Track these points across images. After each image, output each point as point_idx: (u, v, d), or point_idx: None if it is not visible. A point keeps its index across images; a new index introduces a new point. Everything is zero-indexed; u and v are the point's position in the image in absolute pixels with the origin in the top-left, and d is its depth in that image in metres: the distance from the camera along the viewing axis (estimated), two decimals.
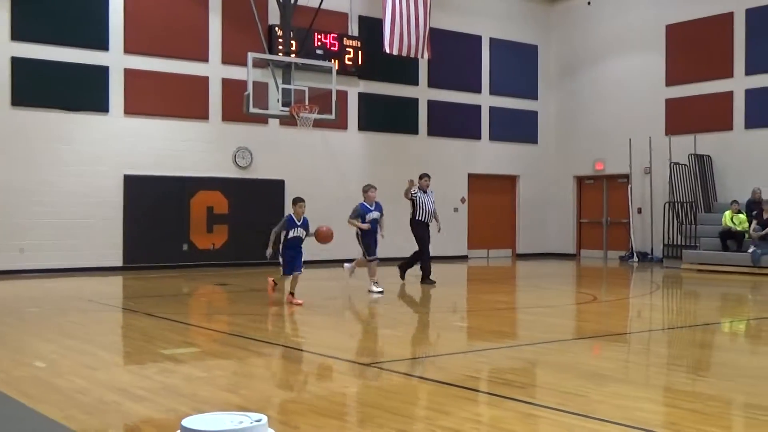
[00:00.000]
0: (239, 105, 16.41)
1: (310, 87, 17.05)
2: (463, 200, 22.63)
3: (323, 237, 11.36)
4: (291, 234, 11.00)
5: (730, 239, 18.17)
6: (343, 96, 19.66)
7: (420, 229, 14.60)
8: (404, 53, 19.50)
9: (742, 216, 18.27)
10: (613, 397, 5.51)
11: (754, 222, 17.85)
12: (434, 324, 9.67)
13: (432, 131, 22.11)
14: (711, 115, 20.59)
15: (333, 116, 17.31)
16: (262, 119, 18.49)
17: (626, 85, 22.44)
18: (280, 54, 18.22)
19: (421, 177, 14.72)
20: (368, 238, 13.02)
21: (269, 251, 10.92)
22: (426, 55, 20.08)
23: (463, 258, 22.39)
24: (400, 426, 4.75)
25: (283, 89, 16.58)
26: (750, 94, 19.93)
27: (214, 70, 18.75)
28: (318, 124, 17.63)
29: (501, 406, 5.41)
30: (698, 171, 20.41)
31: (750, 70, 19.93)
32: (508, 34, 23.60)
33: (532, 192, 24.00)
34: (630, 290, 15.17)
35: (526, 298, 13.60)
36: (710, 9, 20.67)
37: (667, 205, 20.61)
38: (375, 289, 12.74)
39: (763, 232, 17.47)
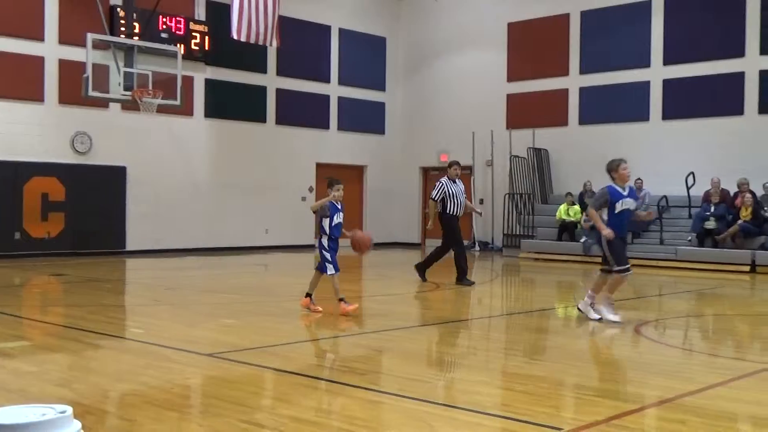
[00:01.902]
0: (78, 87, 15.71)
1: (154, 71, 16.55)
2: (311, 189, 22.63)
3: (361, 244, 9.41)
4: (335, 220, 9.12)
5: (565, 230, 19.11)
6: (188, 82, 19.19)
7: (452, 224, 12.81)
8: (253, 40, 19.22)
9: (576, 207, 19.25)
10: (452, 382, 5.69)
11: (585, 213, 18.84)
12: (280, 313, 9.62)
13: (280, 120, 21.96)
14: (548, 110, 21.55)
15: (178, 102, 16.88)
16: (103, 103, 17.75)
17: (470, 79, 23.10)
18: (122, 36, 17.54)
19: (450, 165, 12.93)
20: (617, 242, 8.69)
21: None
22: (275, 43, 19.89)
23: (310, 247, 22.40)
24: (242, 416, 4.70)
25: (125, 73, 16.01)
26: (584, 91, 21.00)
27: (51, 50, 17.80)
28: (162, 109, 17.14)
29: (344, 393, 5.46)
30: (536, 164, 21.33)
31: (584, 69, 21.00)
32: (358, 25, 23.77)
33: (379, 182, 24.33)
34: (471, 278, 15.64)
35: (371, 287, 13.78)
36: (549, 9, 21.60)
37: (507, 196, 21.46)
38: (612, 317, 8.66)
39: (591, 222, 18.44)
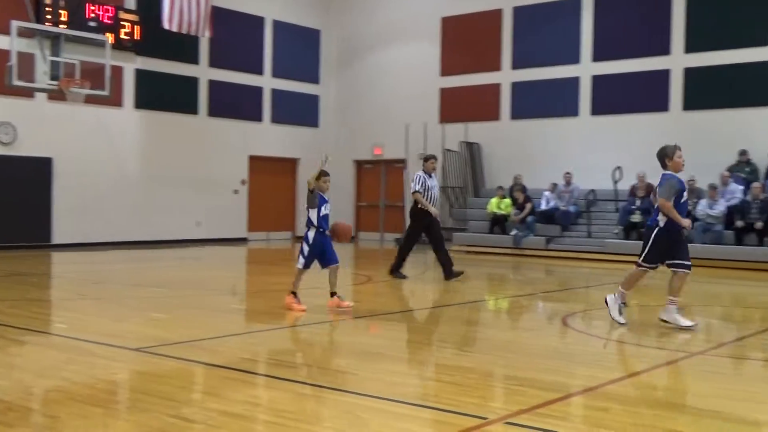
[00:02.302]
0: (1, 76, 15.26)
1: (82, 61, 16.20)
2: (243, 182, 22.45)
3: (342, 234, 9.25)
4: (323, 211, 8.88)
5: (496, 223, 19.36)
6: (118, 72, 18.79)
7: (427, 219, 12.46)
8: (184, 30, 18.97)
9: (507, 201, 19.51)
10: (382, 374, 5.72)
11: (514, 206, 19.12)
12: (211, 307, 9.54)
13: (213, 111, 21.71)
14: (481, 105, 21.78)
15: (107, 92, 16.56)
16: (28, 92, 17.27)
17: (404, 73, 23.19)
18: (48, 24, 17.10)
19: (427, 159, 12.70)
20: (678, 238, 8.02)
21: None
22: (207, 34, 19.68)
23: (243, 240, 22.24)
24: (169, 411, 4.66)
25: (51, 62, 15.63)
26: (516, 86, 21.29)
27: None
28: (90, 100, 16.79)
29: (274, 386, 5.45)
30: (469, 158, 21.54)
31: (516, 65, 21.28)
32: (291, 17, 23.61)
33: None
34: (404, 271, 15.72)
35: (303, 280, 13.70)
36: (482, 4, 21.81)
37: (439, 189, 21.59)
38: (684, 322, 7.97)
39: (522, 215, 18.76)
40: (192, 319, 8.52)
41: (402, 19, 23.30)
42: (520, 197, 19.14)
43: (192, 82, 21.26)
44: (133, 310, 9.10)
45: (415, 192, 12.50)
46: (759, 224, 15.85)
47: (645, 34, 19.26)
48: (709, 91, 18.37)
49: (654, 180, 17.86)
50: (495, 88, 21.61)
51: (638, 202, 17.59)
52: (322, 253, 8.93)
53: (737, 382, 6.01)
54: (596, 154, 19.59)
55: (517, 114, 21.30)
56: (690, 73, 18.65)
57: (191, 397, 5.21)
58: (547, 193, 19.31)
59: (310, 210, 8.83)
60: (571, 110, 20.35)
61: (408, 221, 13.47)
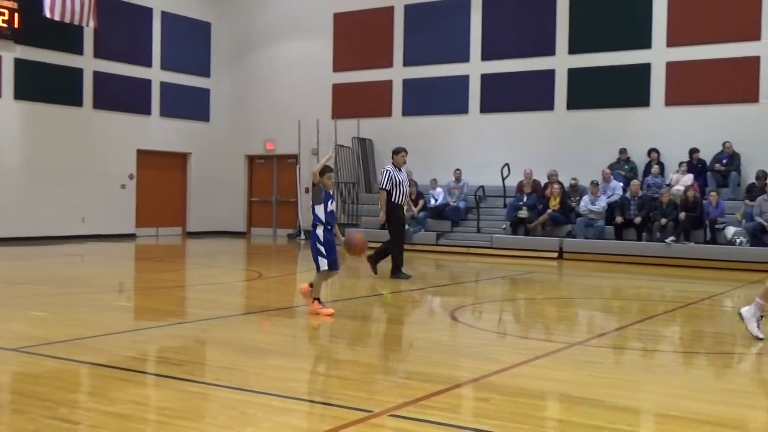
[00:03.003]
0: None
1: None
2: (131, 176, 21.88)
3: (357, 247, 8.76)
4: (329, 207, 8.28)
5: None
6: None
7: (397, 213, 12.04)
8: (67, 19, 18.35)
9: None
10: (269, 370, 5.71)
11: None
12: (95, 305, 9.27)
13: (98, 104, 21.06)
14: (373, 101, 21.92)
15: None
16: None
17: (297, 68, 23.09)
18: None
19: (397, 152, 12.17)
20: None
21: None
22: (92, 24, 19.09)
23: (131, 236, 21.69)
24: (47, 412, 4.52)
25: None
26: (407, 83, 21.52)
27: None
28: None
29: (158, 385, 5.36)
30: (361, 153, 21.65)
31: (408, 62, 21.50)
32: (181, 8, 23.14)
33: (203, 170, 23.86)
34: (296, 266, 15.72)
35: (193, 276, 13.53)
36: (373, 2, 21.94)
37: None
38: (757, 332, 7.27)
39: (413, 212, 18.99)
40: (75, 317, 8.26)
41: (295, 14, 23.20)
42: (413, 193, 19.35)
43: (76, 73, 20.57)
44: (12, 309, 8.75)
45: (381, 189, 12.03)
46: (638, 219, 16.56)
47: (531, 34, 19.81)
48: (591, 91, 19.05)
49: (539, 177, 18.45)
50: (387, 85, 21.79)
51: (525, 198, 18.09)
52: (329, 251, 8.24)
53: (615, 370, 6.27)
54: (485, 151, 20.03)
55: (408, 111, 21.54)
56: (573, 74, 19.29)
57: (71, 397, 5.05)
58: (437, 189, 19.61)
59: (315, 206, 8.27)
60: (461, 108, 20.72)
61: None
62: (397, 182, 11.88)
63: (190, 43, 23.51)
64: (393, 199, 11.91)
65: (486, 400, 4.98)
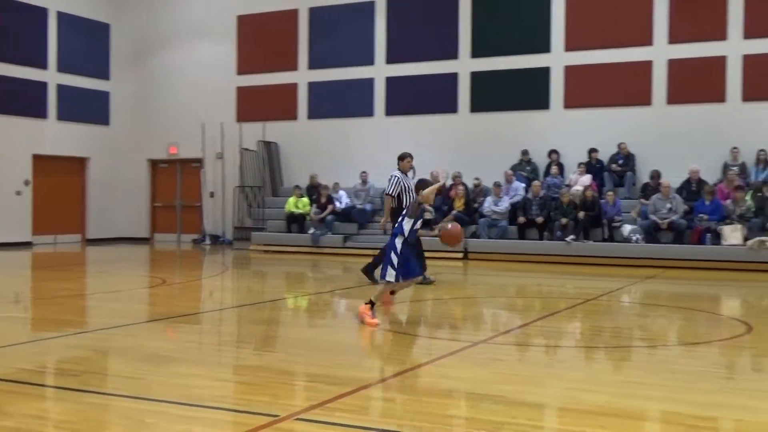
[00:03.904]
0: None
1: None
2: (26, 183, 21.10)
3: (455, 238, 8.44)
4: (417, 225, 8.09)
5: (294, 222, 19.43)
6: None
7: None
8: None
9: (305, 200, 19.63)
10: (171, 377, 5.59)
11: (314, 205, 19.30)
12: None
13: None
14: (278, 104, 21.78)
15: None
16: None
17: (200, 70, 22.73)
18: None
19: (403, 157, 11.72)
20: None
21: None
22: None
23: (27, 244, 20.91)
24: None
25: None
26: (313, 86, 21.46)
27: None
28: None
29: (56, 397, 5.19)
30: (267, 157, 21.47)
31: (313, 65, 21.45)
32: (77, 9, 22.45)
33: (104, 175, 23.21)
34: (201, 272, 15.47)
35: (93, 284, 13.13)
36: (277, 4, 21.80)
37: (237, 189, 21.42)
38: None
39: (322, 215, 18.97)
40: None
41: (197, 16, 22.84)
42: (323, 196, 19.32)
43: None
44: None
45: (386, 195, 11.67)
46: (539, 219, 16.95)
47: (435, 38, 20.03)
48: (493, 94, 19.41)
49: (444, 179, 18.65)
50: (292, 88, 21.68)
51: (432, 204, 18.23)
52: (404, 263, 8.00)
53: (518, 367, 6.40)
54: (391, 153, 20.05)
55: (314, 113, 21.48)
56: (476, 77, 19.61)
57: None
58: (342, 192, 19.63)
59: (407, 218, 8.02)
60: (367, 111, 20.80)
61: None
62: (405, 188, 11.47)
63: (88, 44, 22.84)
64: (404, 206, 11.27)
65: (392, 401, 5.01)
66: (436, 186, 8.14)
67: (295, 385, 5.71)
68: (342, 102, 21.04)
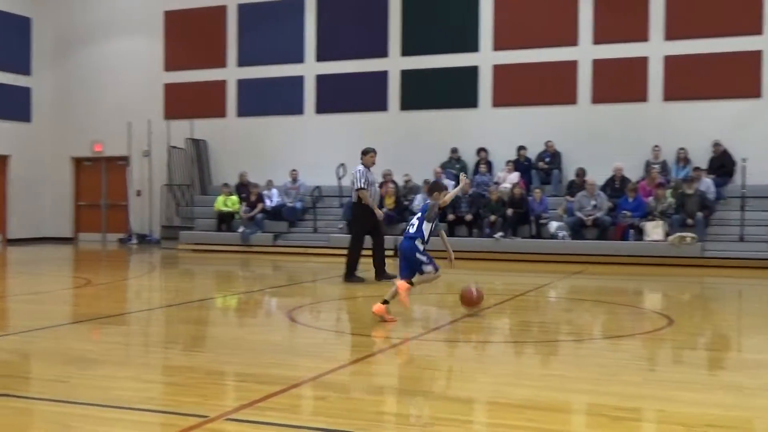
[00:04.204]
0: None
1: None
2: None
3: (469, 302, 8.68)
4: (433, 225, 8.36)
5: (223, 220, 19.23)
6: None
7: (373, 218, 11.77)
8: None
9: (234, 198, 19.44)
10: (97, 380, 5.47)
11: (244, 204, 19.13)
12: None
13: None
14: (207, 101, 21.50)
15: None
16: None
17: (126, 66, 22.27)
18: None
19: (366, 152, 11.86)
20: None
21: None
22: None
23: None
24: None
25: None
26: (242, 84, 21.26)
27: None
28: None
29: None
30: (195, 155, 21.20)
31: (242, 62, 21.24)
32: None
33: (25, 173, 22.54)
34: (128, 272, 15.20)
35: (14, 285, 12.76)
36: (206, 0, 21.52)
37: (165, 187, 21.08)
38: None
39: (251, 213, 18.81)
40: None
41: (122, 10, 22.38)
42: (253, 194, 19.14)
43: None
44: None
45: (360, 189, 11.61)
46: (468, 216, 17.13)
47: (365, 36, 20.07)
48: (423, 92, 19.54)
49: (376, 176, 18.69)
50: (221, 85, 21.44)
51: None
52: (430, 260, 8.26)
53: (448, 362, 6.46)
54: (321, 151, 20.11)
55: (243, 111, 21.28)
56: (406, 75, 19.71)
57: None
58: (273, 190, 19.51)
59: (426, 222, 8.18)
60: (297, 108, 20.71)
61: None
62: (370, 182, 11.65)
63: (9, 38, 22.14)
64: (364, 201, 11.66)
65: (323, 399, 5.01)
66: (456, 190, 8.73)
67: (225, 385, 5.65)
68: (271, 100, 20.89)
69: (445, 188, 8.54)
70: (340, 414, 4.64)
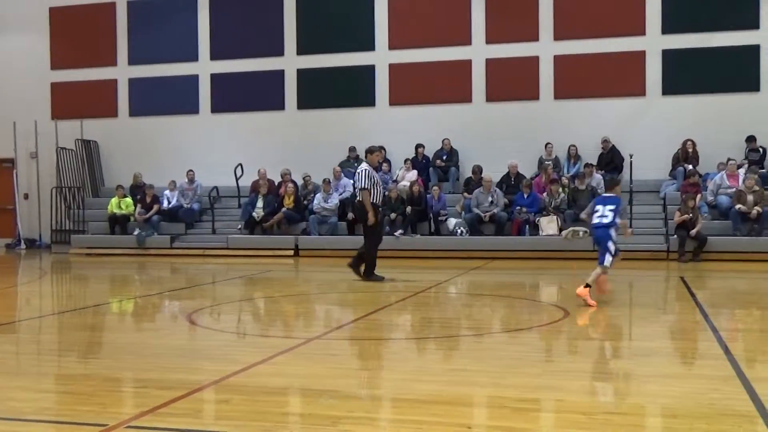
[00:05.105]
0: None
1: None
2: None
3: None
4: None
5: (117, 223, 18.70)
6: None
7: (374, 213, 11.51)
8: None
9: (128, 200, 18.94)
10: None
11: (139, 205, 18.66)
12: None
13: None
14: (97, 101, 20.88)
15: None
16: None
17: (9, 65, 21.39)
18: None
19: (371, 151, 11.76)
20: None
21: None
22: None
23: None
24: None
25: None
26: (133, 83, 20.72)
27: None
28: None
29: None
30: (86, 156, 20.54)
31: (133, 60, 20.71)
32: None
33: None
34: (17, 278, 14.60)
35: None
36: None
37: (54, 190, 20.33)
38: None
39: (147, 215, 18.37)
40: None
41: (4, 6, 21.45)
42: (148, 196, 18.69)
43: None
44: None
45: (363, 189, 11.42)
46: None
47: (260, 34, 19.89)
48: (320, 91, 19.51)
49: (273, 176, 18.56)
50: (111, 84, 20.86)
51: (260, 198, 18.10)
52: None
53: (352, 361, 6.47)
54: (218, 151, 19.83)
55: (136, 111, 20.77)
56: (302, 74, 19.64)
57: None
58: (167, 192, 19.11)
59: (618, 213, 9.09)
60: (192, 108, 20.34)
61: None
62: (375, 182, 11.52)
63: None
64: (371, 200, 11.48)
65: (226, 402, 4.93)
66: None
67: (124, 392, 5.50)
68: (165, 99, 20.46)
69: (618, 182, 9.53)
70: (244, 417, 4.59)
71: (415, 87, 18.95)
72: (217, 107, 20.23)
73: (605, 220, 8.96)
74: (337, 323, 8.64)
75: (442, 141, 18.47)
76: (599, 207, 9.11)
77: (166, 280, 13.87)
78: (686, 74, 17.59)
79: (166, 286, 12.70)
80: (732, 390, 5.06)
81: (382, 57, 19.21)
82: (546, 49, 18.31)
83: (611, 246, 8.95)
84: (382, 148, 12.18)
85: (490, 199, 16.85)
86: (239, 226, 18.10)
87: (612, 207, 9.02)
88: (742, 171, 16.26)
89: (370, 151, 11.90)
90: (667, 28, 17.68)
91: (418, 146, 18.53)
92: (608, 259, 8.95)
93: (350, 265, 11.91)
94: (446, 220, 16.95)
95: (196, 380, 5.56)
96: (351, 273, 11.87)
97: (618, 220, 9.07)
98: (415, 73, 18.97)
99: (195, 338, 7.69)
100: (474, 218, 16.67)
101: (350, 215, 17.21)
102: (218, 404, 4.97)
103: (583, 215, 9.87)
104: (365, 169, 11.58)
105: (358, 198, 11.78)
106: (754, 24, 17.29)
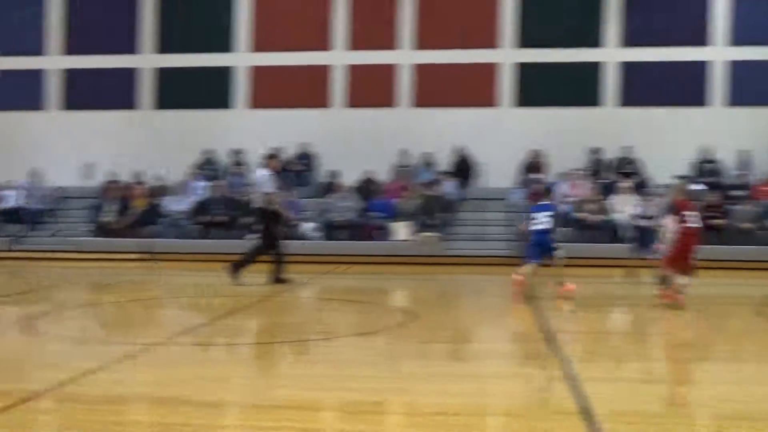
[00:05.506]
0: None
1: None
2: None
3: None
4: None
5: None
6: None
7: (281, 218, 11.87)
8: None
9: None
10: None
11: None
12: None
13: None
14: None
15: None
16: None
17: None
18: None
19: (272, 156, 12.24)
20: None
21: None
22: None
23: None
24: None
25: None
26: None
27: None
28: None
29: None
30: None
31: None
32: None
33: None
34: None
35: None
36: None
37: None
38: None
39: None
40: None
41: None
42: None
43: None
44: None
45: (269, 194, 11.64)
46: (222, 219, 16.93)
47: (118, 30, 19.37)
48: (178, 92, 19.11)
49: (128, 177, 17.96)
50: None
51: (111, 202, 17.44)
52: None
53: (200, 367, 6.33)
54: (65, 150, 19.04)
55: None
56: (160, 74, 19.17)
57: None
58: (6, 192, 18.12)
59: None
60: (39, 104, 19.46)
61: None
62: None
63: None
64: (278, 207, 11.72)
65: (59, 411, 4.73)
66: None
67: None
68: (9, 94, 19.43)
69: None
70: (82, 426, 4.41)
71: (276, 90, 18.86)
72: (68, 104, 19.42)
73: (543, 226, 9.75)
74: (183, 328, 8.46)
75: (300, 145, 18.45)
76: (536, 215, 9.86)
77: (5, 285, 13.14)
78: (536, 87, 18.34)
79: (4, 291, 12.03)
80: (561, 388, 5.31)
81: (243, 59, 19.01)
82: (405, 57, 18.65)
83: (553, 246, 9.79)
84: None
85: (345, 204, 16.95)
86: (89, 229, 17.39)
87: (548, 213, 9.83)
88: (584, 181, 17.10)
89: (270, 156, 12.30)
90: (520, 42, 18.39)
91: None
92: (538, 261, 9.84)
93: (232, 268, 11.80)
94: (301, 225, 16.92)
95: (26, 389, 5.30)
96: (223, 276, 11.77)
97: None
98: (277, 77, 18.87)
99: (31, 345, 7.32)
100: (329, 223, 16.73)
101: (204, 218, 16.91)
102: (52, 414, 4.76)
103: (520, 226, 10.45)
104: (268, 174, 11.76)
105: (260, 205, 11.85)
106: (597, 42, 18.26)
